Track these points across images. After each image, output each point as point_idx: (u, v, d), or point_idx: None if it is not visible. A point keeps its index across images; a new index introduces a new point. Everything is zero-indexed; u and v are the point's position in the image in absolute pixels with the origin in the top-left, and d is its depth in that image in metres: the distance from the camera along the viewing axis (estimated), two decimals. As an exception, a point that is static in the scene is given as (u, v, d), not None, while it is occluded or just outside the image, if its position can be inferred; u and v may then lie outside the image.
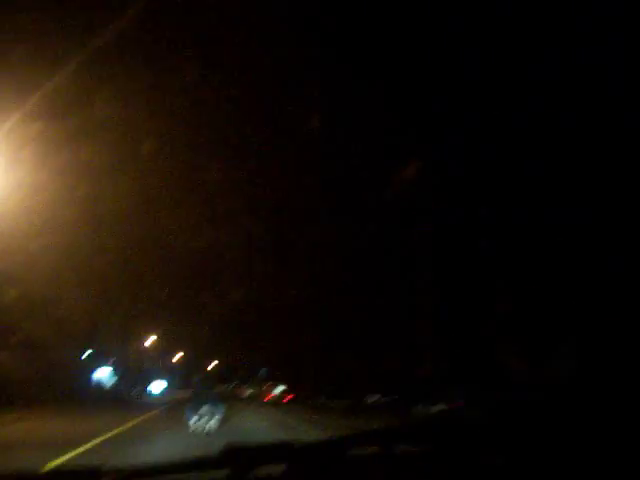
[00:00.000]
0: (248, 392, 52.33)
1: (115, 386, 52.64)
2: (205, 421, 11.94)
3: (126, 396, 47.53)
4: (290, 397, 33.75)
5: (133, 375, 56.52)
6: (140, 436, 12.48)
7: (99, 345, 47.77)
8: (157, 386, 62.98)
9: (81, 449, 10.12)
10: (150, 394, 58.32)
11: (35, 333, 24.21)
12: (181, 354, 70.71)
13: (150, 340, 56.03)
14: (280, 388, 37.10)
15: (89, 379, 52.39)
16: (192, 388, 13.89)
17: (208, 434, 11.68)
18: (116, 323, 44.16)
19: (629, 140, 14.26)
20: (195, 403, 12.33)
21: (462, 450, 1.46)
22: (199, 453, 1.55)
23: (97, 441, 11.49)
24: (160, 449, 10.25)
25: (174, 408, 21.86)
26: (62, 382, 32.70)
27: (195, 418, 11.99)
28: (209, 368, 79.47)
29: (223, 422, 12.72)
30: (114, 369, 51.70)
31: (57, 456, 8.92)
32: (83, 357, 47.27)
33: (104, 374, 53.71)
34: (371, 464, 1.42)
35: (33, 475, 1.51)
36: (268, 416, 20.02)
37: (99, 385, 51.19)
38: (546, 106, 15.75)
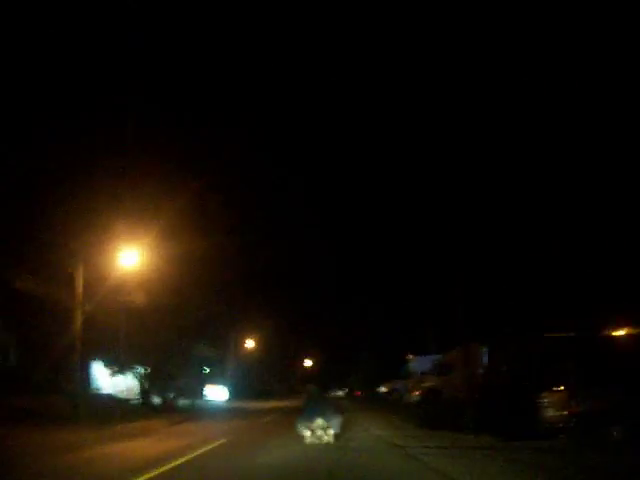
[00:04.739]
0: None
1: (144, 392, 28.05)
2: (319, 435, 10.66)
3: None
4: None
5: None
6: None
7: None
8: (216, 392, 38.12)
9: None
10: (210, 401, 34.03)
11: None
12: (252, 344, 44.82)
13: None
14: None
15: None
16: (304, 397, 12.93)
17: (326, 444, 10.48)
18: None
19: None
20: (307, 415, 10.90)
21: None
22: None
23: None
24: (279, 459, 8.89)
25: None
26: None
27: (308, 432, 10.70)
28: (305, 368, 54.12)
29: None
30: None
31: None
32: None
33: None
34: None
35: None
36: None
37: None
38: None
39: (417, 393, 21.37)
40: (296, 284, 37.91)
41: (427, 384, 21.43)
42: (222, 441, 11.88)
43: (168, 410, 25.34)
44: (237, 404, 35.27)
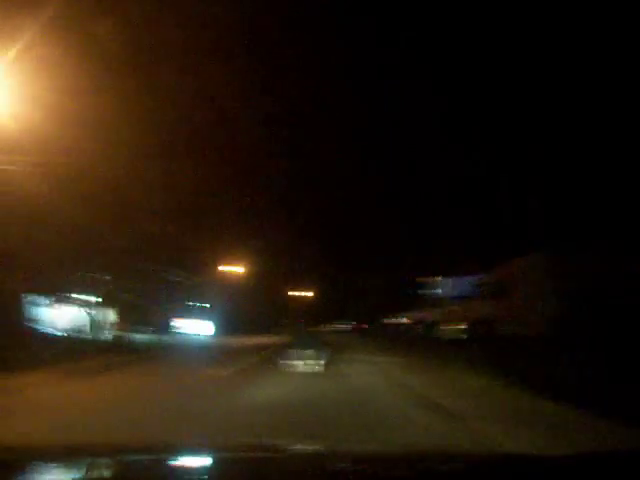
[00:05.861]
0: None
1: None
2: (309, 367, 11.02)
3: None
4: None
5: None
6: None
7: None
8: (197, 326, 32.36)
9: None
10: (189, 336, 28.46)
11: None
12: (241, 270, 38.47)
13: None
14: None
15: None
16: (293, 333, 13.01)
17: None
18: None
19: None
20: (296, 348, 11.46)
21: None
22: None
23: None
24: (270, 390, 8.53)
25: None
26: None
27: (300, 362, 11.14)
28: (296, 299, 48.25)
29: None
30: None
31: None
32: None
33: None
34: None
35: None
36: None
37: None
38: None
39: (462, 327, 14.92)
40: (298, 199, 31.07)
41: (474, 313, 15.00)
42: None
43: (122, 348, 19.14)
44: (222, 340, 29.41)
